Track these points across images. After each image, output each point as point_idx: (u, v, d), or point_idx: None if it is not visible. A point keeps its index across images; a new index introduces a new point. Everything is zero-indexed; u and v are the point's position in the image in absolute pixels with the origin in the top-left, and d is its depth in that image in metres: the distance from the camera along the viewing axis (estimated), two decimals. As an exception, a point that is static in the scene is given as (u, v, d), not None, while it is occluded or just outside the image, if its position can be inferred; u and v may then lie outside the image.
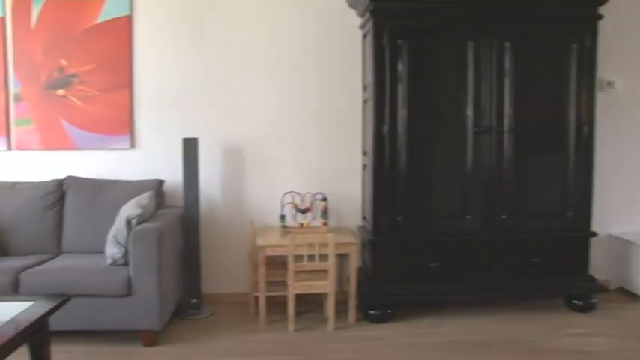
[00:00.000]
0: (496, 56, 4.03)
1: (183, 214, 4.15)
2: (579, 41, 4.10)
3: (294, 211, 4.21)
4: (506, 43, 4.02)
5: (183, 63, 4.42)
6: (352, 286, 4.05)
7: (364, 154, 4.37)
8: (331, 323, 3.91)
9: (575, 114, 4.13)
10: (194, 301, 4.20)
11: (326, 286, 3.88)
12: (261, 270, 3.92)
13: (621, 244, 4.74)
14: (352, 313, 4.05)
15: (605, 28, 4.37)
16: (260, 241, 3.98)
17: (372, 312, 4.04)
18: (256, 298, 4.08)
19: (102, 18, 4.36)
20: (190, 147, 4.11)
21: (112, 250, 3.65)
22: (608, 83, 4.70)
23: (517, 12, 4.03)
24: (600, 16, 4.12)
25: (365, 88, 4.30)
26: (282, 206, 4.23)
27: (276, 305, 4.15)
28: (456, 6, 3.96)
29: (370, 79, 4.01)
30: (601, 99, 4.50)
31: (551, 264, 4.19)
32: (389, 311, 4.05)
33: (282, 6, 4.43)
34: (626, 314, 4.26)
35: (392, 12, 3.91)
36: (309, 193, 4.30)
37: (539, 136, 4.16)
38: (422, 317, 4.14)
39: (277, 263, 4.14)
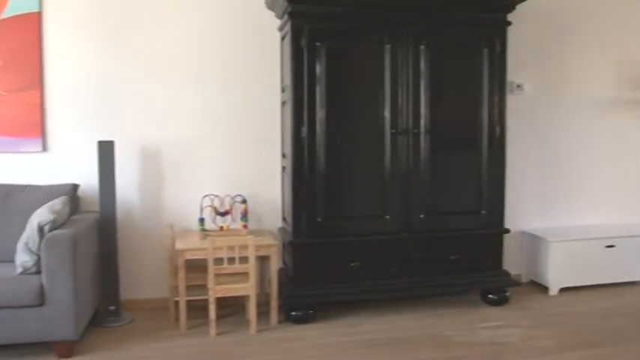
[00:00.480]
0: (412, 59, 4.12)
1: (99, 219, 4.03)
2: (490, 46, 4.25)
3: (213, 214, 4.17)
4: (422, 47, 4.12)
5: (98, 63, 4.28)
6: (273, 288, 4.04)
7: (283, 155, 4.38)
8: (253, 326, 3.89)
9: (487, 115, 4.28)
10: (112, 308, 4.08)
11: (247, 288, 3.86)
12: (181, 274, 3.85)
13: (532, 240, 4.95)
14: (274, 315, 4.05)
15: (515, 34, 4.56)
16: (179, 245, 3.92)
17: (293, 313, 4.05)
18: (176, 303, 4.00)
19: (7, 14, 4.17)
20: (106, 150, 4.00)
21: (22, 259, 3.50)
22: (518, 86, 4.91)
23: (432, 16, 4.15)
24: (509, 23, 4.29)
25: (283, 90, 4.31)
26: (202, 209, 4.18)
27: (198, 310, 4.08)
28: (373, 9, 4.03)
29: (288, 80, 4.02)
30: (511, 101, 4.70)
31: (467, 261, 4.32)
32: (310, 312, 4.07)
33: (199, 5, 4.37)
34: (537, 306, 4.46)
35: (310, 14, 3.94)
36: (228, 195, 4.26)
37: (454, 136, 4.29)
38: (343, 317, 4.18)
39: (197, 267, 4.08)
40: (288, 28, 4.00)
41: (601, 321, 4.15)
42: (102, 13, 4.27)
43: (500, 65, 4.28)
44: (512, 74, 4.70)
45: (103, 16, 4.27)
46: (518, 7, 4.33)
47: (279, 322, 4.05)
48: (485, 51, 4.25)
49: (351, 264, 4.11)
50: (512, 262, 4.90)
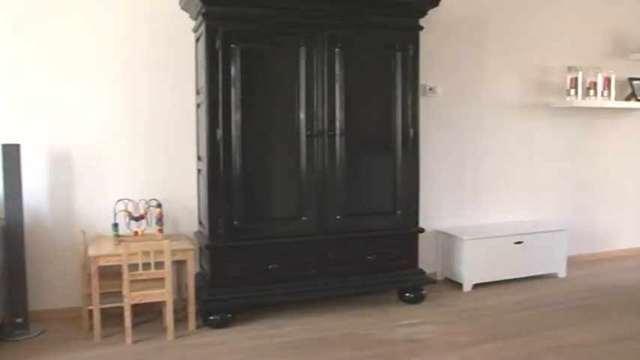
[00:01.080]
0: (327, 62, 4.16)
1: (4, 226, 3.86)
2: (403, 50, 4.35)
3: (127, 218, 4.07)
4: (337, 50, 4.17)
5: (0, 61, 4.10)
6: (190, 293, 3.98)
7: (199, 158, 4.32)
8: (171, 332, 3.82)
9: (401, 118, 4.37)
10: (19, 320, 3.90)
11: (163, 294, 3.79)
12: (94, 282, 3.74)
13: (446, 239, 5.09)
14: (192, 320, 3.99)
15: (428, 39, 4.69)
16: (92, 252, 3.80)
17: (211, 318, 4.00)
18: (90, 312, 3.87)
19: None
20: (11, 154, 3.83)
21: None
22: (431, 89, 5.04)
23: (347, 20, 4.20)
24: (421, 27, 4.40)
25: (198, 92, 4.26)
26: (115, 214, 4.06)
27: (113, 318, 3.97)
28: (288, 12, 4.04)
29: (203, 82, 3.98)
30: (425, 103, 4.82)
31: (383, 260, 4.40)
32: (229, 316, 4.03)
33: (112, 5, 4.24)
34: (452, 302, 4.58)
35: (224, 16, 3.91)
36: (143, 199, 4.16)
37: (369, 138, 4.35)
38: (263, 319, 4.16)
39: (112, 274, 3.97)
40: (202, 29, 3.96)
41: (512, 314, 4.31)
42: (2, 8, 4.07)
43: (413, 69, 4.38)
44: (425, 77, 4.83)
45: (4, 11, 4.07)
46: (431, 12, 4.45)
47: (198, 327, 3.99)
48: (399, 55, 4.34)
49: (269, 266, 4.11)
50: (428, 260, 5.03)
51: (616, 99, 5.79)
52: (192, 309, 3.99)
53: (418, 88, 4.43)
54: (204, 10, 3.86)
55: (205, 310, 4.01)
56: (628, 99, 5.94)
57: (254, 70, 4.01)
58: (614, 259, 6.07)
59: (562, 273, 5.32)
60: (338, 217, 4.24)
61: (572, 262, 5.59)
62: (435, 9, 4.45)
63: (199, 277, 4.28)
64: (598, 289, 5.00)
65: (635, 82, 5.97)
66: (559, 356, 3.54)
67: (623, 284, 5.13)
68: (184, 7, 4.28)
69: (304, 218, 4.18)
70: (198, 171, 4.36)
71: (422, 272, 4.56)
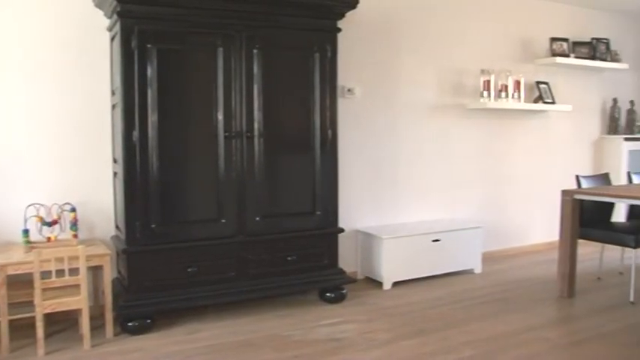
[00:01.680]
0: (245, 63, 4.13)
1: None
2: (321, 51, 4.38)
3: (39, 224, 3.91)
4: (255, 51, 4.16)
5: None
6: (108, 299, 3.87)
7: (115, 161, 4.20)
8: (87, 341, 3.69)
9: (320, 119, 4.40)
10: None
11: (79, 301, 3.66)
12: (2, 292, 3.56)
13: (366, 238, 5.17)
14: (110, 328, 3.87)
15: (346, 40, 4.75)
16: (0, 260, 3.63)
17: (130, 324, 3.90)
18: (-1, 324, 3.70)
19: None
20: None
21: None
22: (349, 90, 5.10)
23: (264, 21, 4.19)
24: (339, 29, 4.45)
25: (113, 93, 4.15)
26: (26, 220, 3.90)
27: (25, 329, 3.79)
28: (205, 12, 3.99)
29: (119, 83, 3.87)
30: (343, 105, 4.88)
31: (304, 261, 4.42)
32: (148, 321, 3.94)
33: (24, 2, 4.05)
34: (372, 300, 4.65)
35: (140, 15, 3.82)
36: (55, 204, 4.01)
37: (288, 139, 4.36)
38: (183, 324, 4.10)
39: (23, 282, 3.80)
40: (117, 28, 3.86)
41: (430, 310, 4.42)
42: None
43: (331, 70, 4.42)
44: (344, 79, 4.89)
45: None
46: (349, 14, 4.51)
47: (116, 334, 3.88)
48: (317, 56, 4.37)
49: (188, 269, 4.05)
50: (348, 260, 5.09)
51: (525, 101, 6.06)
52: (109, 316, 3.87)
53: (336, 90, 4.47)
54: (118, 9, 3.76)
55: (123, 316, 3.91)
56: (536, 101, 6.22)
57: (171, 71, 3.94)
58: (526, 253, 6.33)
59: (478, 269, 5.51)
60: (257, 218, 4.23)
61: (487, 258, 5.79)
62: (352, 11, 4.51)
63: (117, 282, 4.16)
64: (511, 282, 5.20)
65: (541, 86, 6.26)
66: (476, 349, 3.66)
67: (534, 277, 5.37)
68: (98, 5, 4.15)
69: (223, 220, 4.14)
70: (114, 174, 4.24)
71: (342, 272, 4.61)
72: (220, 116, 4.07)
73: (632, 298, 4.60)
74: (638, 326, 4.10)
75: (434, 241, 5.19)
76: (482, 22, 5.94)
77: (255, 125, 4.18)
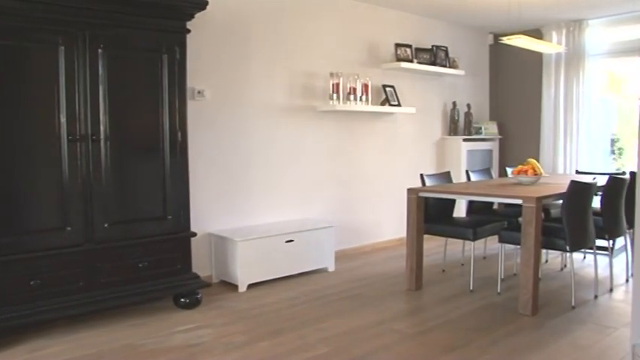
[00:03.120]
0: (90, 63, 3.95)
1: None
2: (170, 52, 4.29)
3: None
4: (100, 50, 3.98)
5: None
6: (-63, 319, 3.55)
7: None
8: None
9: (169, 121, 4.30)
10: None
11: None
12: None
13: (220, 241, 5.13)
14: (-61, 350, 3.56)
15: (196, 42, 4.69)
16: None
17: (-37, 345, 3.60)
18: None
19: None
20: None
21: None
22: (199, 92, 5.04)
23: (110, 19, 4.02)
24: (188, 30, 4.38)
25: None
26: None
27: None
28: (46, 7, 3.75)
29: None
30: (193, 107, 4.82)
31: (157, 267, 4.31)
32: (-15, 340, 3.66)
33: None
34: (228, 304, 4.63)
35: (-29, 8, 3.53)
36: None
37: (136, 143, 4.22)
38: (28, 342, 3.83)
39: None
40: (-57, 23, 3.54)
41: (286, 310, 4.47)
42: None
43: (180, 71, 4.34)
44: (194, 81, 4.83)
45: None
46: (198, 15, 4.45)
47: (-53, 357, 3.58)
48: (165, 57, 4.27)
49: (31, 282, 3.79)
50: (203, 264, 5.03)
51: (373, 104, 6.31)
52: (-62, 337, 3.56)
53: (185, 92, 4.39)
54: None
55: (-44, 336, 3.60)
56: (383, 104, 6.50)
57: (9, 69, 3.67)
58: (378, 250, 6.60)
59: (331, 267, 5.65)
60: (106, 225, 4.06)
61: (341, 256, 5.98)
62: (202, 12, 4.46)
63: (-53, 300, 3.83)
64: (364, 278, 5.39)
65: (387, 89, 6.55)
66: (330, 345, 3.75)
67: (385, 272, 5.60)
68: None
69: (69, 228, 3.93)
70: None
71: (196, 276, 4.54)
72: (63, 119, 3.86)
73: (471, 287, 4.95)
74: (477, 312, 4.41)
75: (287, 241, 5.25)
76: (332, 26, 6.11)
77: (102, 128, 4.00)
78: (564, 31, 7.36)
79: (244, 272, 4.97)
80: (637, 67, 6.99)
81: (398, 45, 6.70)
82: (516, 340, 3.82)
